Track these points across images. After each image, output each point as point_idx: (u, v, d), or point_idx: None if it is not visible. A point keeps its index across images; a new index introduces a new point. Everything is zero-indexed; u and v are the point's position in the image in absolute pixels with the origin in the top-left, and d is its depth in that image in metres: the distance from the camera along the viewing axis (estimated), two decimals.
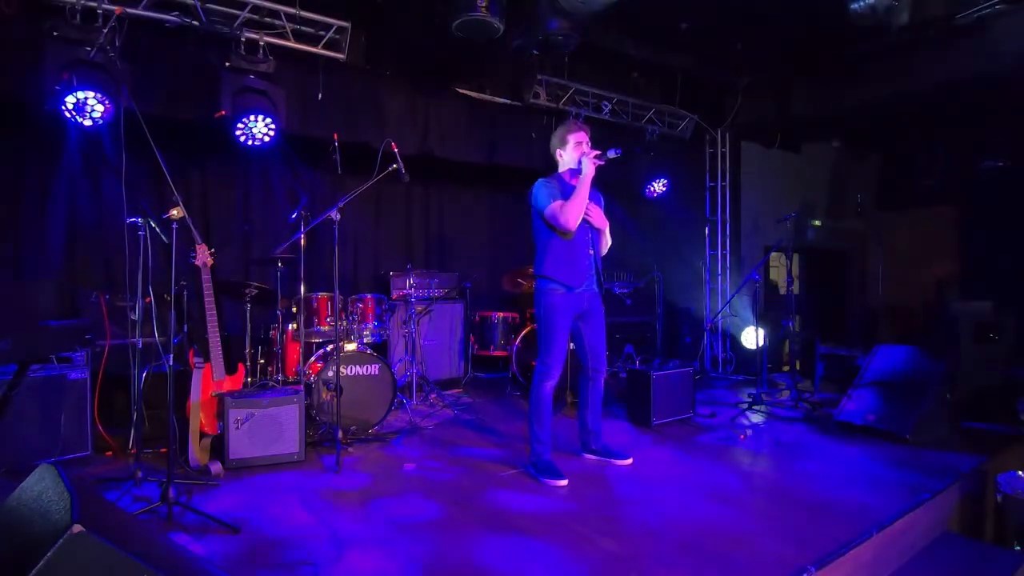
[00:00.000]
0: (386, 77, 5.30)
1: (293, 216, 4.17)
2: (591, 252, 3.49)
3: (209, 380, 3.53)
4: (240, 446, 3.44)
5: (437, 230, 6.64)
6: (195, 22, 4.15)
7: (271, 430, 3.51)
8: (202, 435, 3.46)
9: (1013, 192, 6.94)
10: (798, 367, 6.31)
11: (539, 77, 5.85)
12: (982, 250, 7.49)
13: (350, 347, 4.25)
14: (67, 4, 3.69)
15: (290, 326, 4.45)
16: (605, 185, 3.63)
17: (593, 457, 3.69)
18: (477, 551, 2.51)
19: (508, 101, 5.96)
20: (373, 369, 4.21)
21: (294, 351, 4.44)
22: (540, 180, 3.44)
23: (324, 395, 4.04)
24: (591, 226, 3.48)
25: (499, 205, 6.93)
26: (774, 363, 6.96)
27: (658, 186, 6.63)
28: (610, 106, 6.44)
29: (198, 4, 4.11)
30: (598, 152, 3.33)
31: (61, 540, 1.22)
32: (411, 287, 5.10)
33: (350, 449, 3.87)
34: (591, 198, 3.40)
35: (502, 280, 6.03)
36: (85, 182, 4.58)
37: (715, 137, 7.42)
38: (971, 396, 4.55)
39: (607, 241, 3.60)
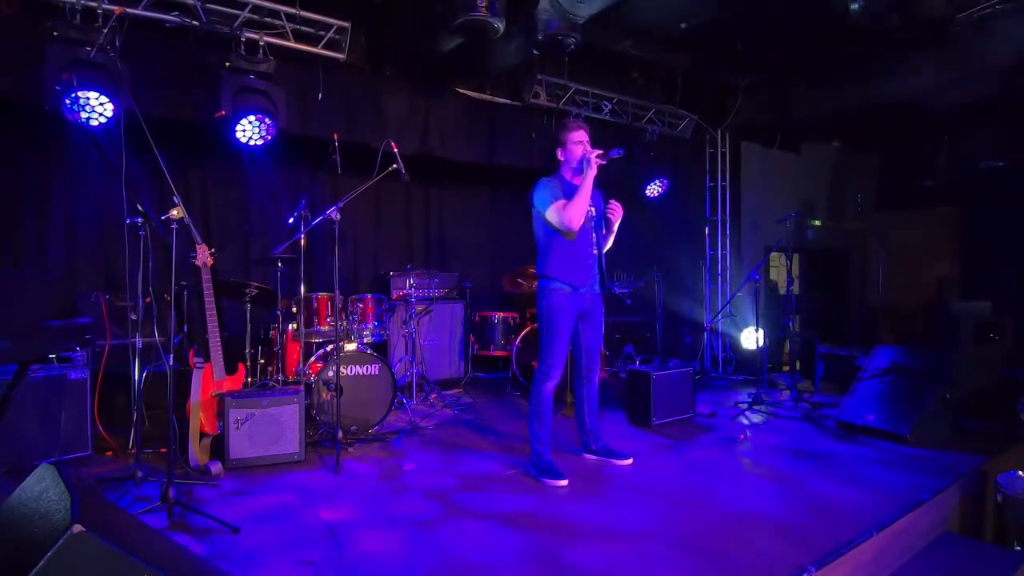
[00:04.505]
0: (386, 77, 5.29)
1: (293, 216, 4.17)
2: (595, 252, 3.48)
3: (209, 380, 3.53)
4: (240, 446, 3.44)
5: (437, 230, 6.64)
6: (195, 22, 4.15)
7: (271, 430, 3.51)
8: (202, 435, 3.46)
9: (1013, 192, 6.94)
10: (798, 367, 6.31)
11: (539, 77, 5.85)
12: (982, 250, 7.49)
13: (350, 347, 4.25)
14: (67, 4, 3.69)
15: (290, 326, 4.45)
16: (605, 184, 3.63)
17: (593, 457, 3.69)
18: (477, 551, 2.51)
19: (508, 101, 5.96)
20: (373, 369, 4.21)
21: (294, 351, 4.44)
22: (541, 180, 3.44)
23: (324, 395, 4.04)
24: (594, 225, 3.48)
25: (499, 205, 6.93)
26: (774, 363, 6.96)
27: (658, 186, 6.63)
28: (610, 106, 6.44)
29: (198, 4, 4.11)
30: (600, 151, 3.32)
31: (61, 540, 1.22)
32: (411, 287, 5.09)
33: (350, 449, 3.87)
34: (591, 198, 3.39)
35: (502, 280, 6.03)
36: (85, 182, 4.58)
37: (715, 137, 7.42)
38: (971, 396, 4.54)
39: (610, 241, 3.62)
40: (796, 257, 6.47)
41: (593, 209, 3.46)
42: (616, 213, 3.52)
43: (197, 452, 3.41)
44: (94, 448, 3.61)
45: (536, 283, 3.52)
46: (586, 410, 3.67)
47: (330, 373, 3.97)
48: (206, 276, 3.42)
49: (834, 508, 2.95)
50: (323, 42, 4.70)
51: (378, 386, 4.21)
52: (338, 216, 3.63)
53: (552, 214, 3.32)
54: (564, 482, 3.26)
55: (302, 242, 4.08)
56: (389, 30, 5.09)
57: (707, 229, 7.55)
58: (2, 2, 3.71)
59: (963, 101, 5.89)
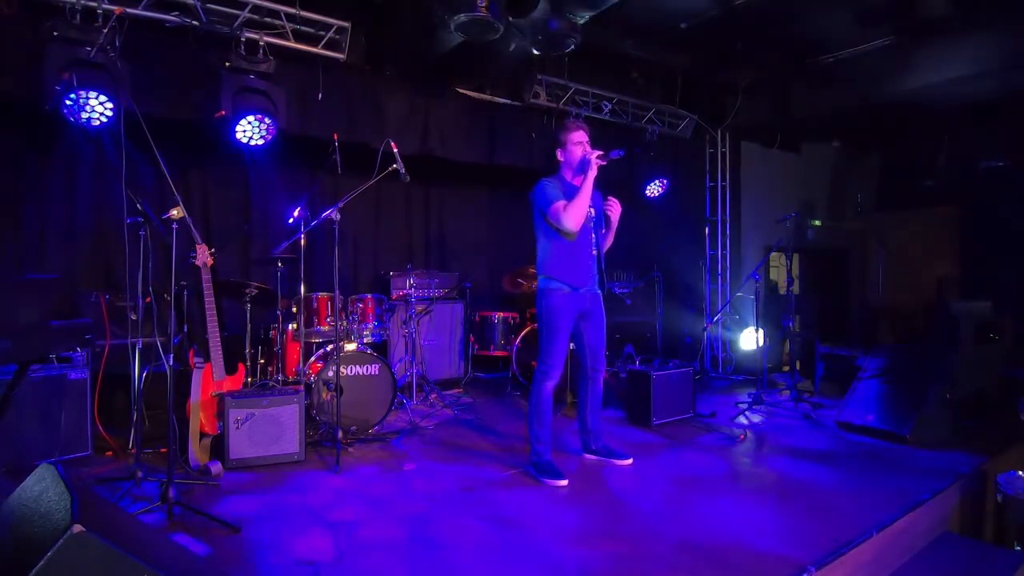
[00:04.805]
0: (386, 77, 5.29)
1: (293, 216, 4.17)
2: (594, 252, 3.49)
3: (209, 380, 3.53)
4: (240, 446, 3.44)
5: (437, 230, 6.64)
6: (195, 22, 4.15)
7: (271, 430, 3.51)
8: (202, 435, 3.46)
9: (1013, 192, 6.95)
10: (798, 367, 6.31)
11: (539, 77, 5.85)
12: (982, 250, 7.49)
13: (350, 347, 4.25)
14: (67, 4, 3.69)
15: (290, 326, 4.45)
16: (605, 184, 3.63)
17: (593, 457, 3.69)
18: (477, 551, 2.51)
19: (508, 101, 5.96)
20: (373, 369, 4.21)
21: (294, 351, 4.44)
22: (542, 180, 3.44)
23: (324, 395, 4.04)
24: (593, 225, 3.49)
25: (499, 205, 6.93)
26: (774, 363, 6.96)
27: (658, 186, 6.63)
28: (610, 106, 6.44)
29: (198, 4, 4.11)
30: (601, 152, 3.32)
31: (61, 540, 1.22)
32: (411, 287, 5.10)
33: (350, 449, 3.87)
34: (591, 198, 3.39)
35: (502, 280, 6.03)
36: (85, 182, 4.58)
37: (715, 137, 7.41)
38: (971, 396, 4.54)
39: (611, 239, 3.62)
40: (796, 257, 6.46)
41: (592, 209, 3.46)
42: (614, 209, 3.54)
43: (197, 452, 3.41)
44: (94, 448, 3.61)
45: (536, 283, 3.53)
46: (588, 410, 3.67)
47: (330, 373, 3.97)
48: (206, 276, 3.42)
49: (834, 508, 2.95)
50: (323, 42, 4.70)
51: (378, 386, 4.21)
52: (338, 216, 3.63)
53: (552, 215, 3.32)
54: (564, 482, 3.26)
55: (302, 242, 4.08)
56: (389, 30, 5.08)
57: (707, 229, 7.54)
58: (2, 2, 3.71)
59: (963, 101, 5.89)
